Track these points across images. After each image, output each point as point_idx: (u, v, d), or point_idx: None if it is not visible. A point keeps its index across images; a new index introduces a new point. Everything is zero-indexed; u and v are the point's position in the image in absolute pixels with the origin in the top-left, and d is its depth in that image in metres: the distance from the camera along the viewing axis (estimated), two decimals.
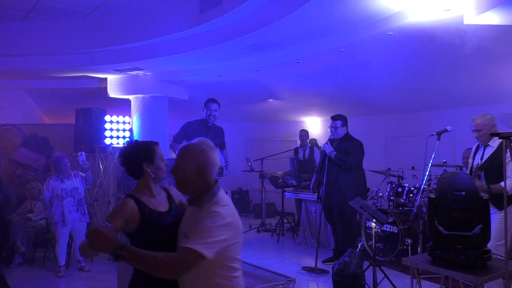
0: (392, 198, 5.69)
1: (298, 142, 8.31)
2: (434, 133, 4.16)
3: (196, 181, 1.96)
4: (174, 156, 2.57)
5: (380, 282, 4.30)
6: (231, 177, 9.50)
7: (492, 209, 3.42)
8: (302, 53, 5.63)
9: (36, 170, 7.23)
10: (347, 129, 5.43)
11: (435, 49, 4.97)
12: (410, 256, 4.55)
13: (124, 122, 7.26)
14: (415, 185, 5.47)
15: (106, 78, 7.60)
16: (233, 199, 8.93)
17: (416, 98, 6.88)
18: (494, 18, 3.59)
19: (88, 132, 6.77)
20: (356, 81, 6.60)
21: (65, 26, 6.39)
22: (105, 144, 6.89)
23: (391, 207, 5.97)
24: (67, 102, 8.54)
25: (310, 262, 5.38)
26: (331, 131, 5.42)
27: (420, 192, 4.49)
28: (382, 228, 5.21)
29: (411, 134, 7.31)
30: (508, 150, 2.59)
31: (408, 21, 4.30)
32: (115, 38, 6.15)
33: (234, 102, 8.66)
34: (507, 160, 3.23)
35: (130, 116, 7.76)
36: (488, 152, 3.74)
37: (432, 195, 2.99)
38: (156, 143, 2.27)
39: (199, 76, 7.03)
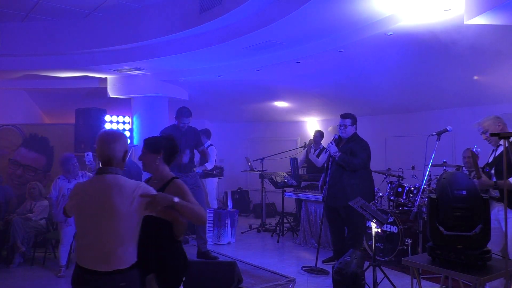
0: (392, 198, 5.68)
1: (306, 142, 8.23)
2: (434, 133, 4.16)
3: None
4: None
5: (380, 282, 4.30)
6: (231, 177, 9.52)
7: (509, 213, 3.21)
8: (302, 53, 5.63)
9: (36, 170, 7.23)
10: (355, 129, 5.27)
11: (435, 49, 4.97)
12: (410, 256, 4.55)
13: (124, 122, 7.27)
14: (415, 185, 5.46)
15: (106, 78, 7.61)
16: (233, 199, 8.92)
17: (416, 98, 6.87)
18: (494, 18, 3.58)
19: (88, 132, 6.76)
20: (356, 81, 6.59)
21: (65, 26, 6.40)
22: None
23: (391, 207, 5.96)
24: (67, 102, 8.54)
25: (310, 262, 5.37)
26: (340, 129, 5.24)
27: (420, 192, 4.48)
28: (382, 228, 5.20)
29: (411, 134, 7.30)
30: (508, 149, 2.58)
31: (408, 21, 4.30)
32: (115, 38, 6.16)
33: (234, 102, 8.66)
34: None
35: (130, 116, 7.77)
36: (499, 151, 3.73)
37: (433, 195, 2.99)
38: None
39: (199, 76, 7.04)
